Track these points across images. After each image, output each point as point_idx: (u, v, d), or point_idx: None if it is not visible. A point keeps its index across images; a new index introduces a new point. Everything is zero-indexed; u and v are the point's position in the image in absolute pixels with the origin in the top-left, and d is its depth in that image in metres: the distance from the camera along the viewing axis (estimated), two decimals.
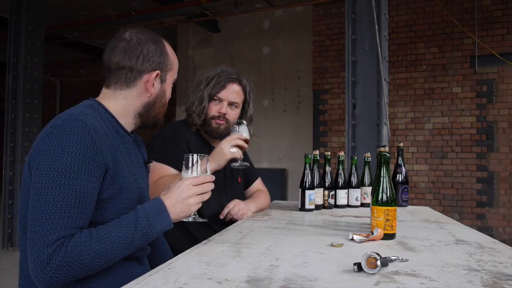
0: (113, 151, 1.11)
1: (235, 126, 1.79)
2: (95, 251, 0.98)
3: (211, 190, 1.21)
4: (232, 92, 1.84)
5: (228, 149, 1.68)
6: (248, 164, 1.83)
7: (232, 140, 1.70)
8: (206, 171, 1.23)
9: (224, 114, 1.82)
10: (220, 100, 1.83)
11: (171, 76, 1.26)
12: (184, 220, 1.19)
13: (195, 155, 1.22)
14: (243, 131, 1.77)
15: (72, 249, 0.96)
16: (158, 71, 1.19)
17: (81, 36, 7.71)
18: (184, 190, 1.13)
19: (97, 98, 1.21)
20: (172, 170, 1.70)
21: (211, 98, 1.83)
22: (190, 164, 1.21)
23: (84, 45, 8.51)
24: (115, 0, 6.69)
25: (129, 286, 0.80)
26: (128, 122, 1.22)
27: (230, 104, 1.84)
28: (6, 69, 5.15)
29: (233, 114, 1.86)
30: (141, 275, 0.91)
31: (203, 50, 7.69)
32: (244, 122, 1.79)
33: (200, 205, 1.17)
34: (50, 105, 9.76)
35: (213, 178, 1.21)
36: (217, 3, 6.31)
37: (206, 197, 1.19)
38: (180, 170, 1.64)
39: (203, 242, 1.22)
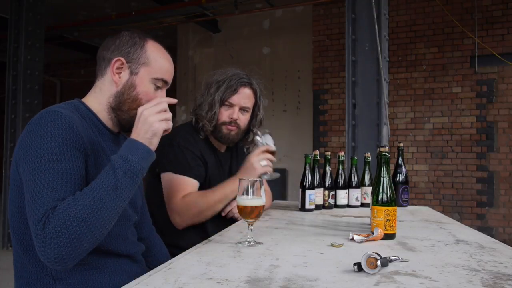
0: (92, 144, 1.11)
1: (259, 136, 1.73)
2: (81, 204, 0.95)
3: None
4: (244, 96, 1.77)
5: (258, 164, 1.65)
6: (279, 174, 1.76)
7: (261, 154, 1.67)
8: (260, 196, 1.20)
9: (236, 119, 1.75)
10: (232, 105, 1.76)
11: (148, 72, 1.19)
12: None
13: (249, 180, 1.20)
14: (269, 142, 1.72)
15: (58, 212, 0.94)
16: (120, 58, 1.18)
17: (81, 36, 7.71)
18: (141, 116, 1.09)
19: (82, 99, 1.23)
20: (195, 183, 1.68)
21: (222, 103, 1.76)
22: (244, 188, 1.19)
23: (84, 45, 8.50)
24: (115, 0, 6.68)
25: (129, 286, 0.80)
26: (105, 117, 1.22)
27: (242, 109, 1.77)
28: (6, 69, 5.14)
29: (244, 119, 1.79)
30: (136, 273, 0.91)
31: (203, 50, 7.68)
32: (268, 131, 1.73)
33: (164, 124, 1.09)
34: (50, 105, 9.67)
35: (168, 100, 1.14)
36: (217, 3, 6.31)
37: (168, 115, 1.11)
38: (200, 180, 1.71)
39: (203, 242, 1.22)
